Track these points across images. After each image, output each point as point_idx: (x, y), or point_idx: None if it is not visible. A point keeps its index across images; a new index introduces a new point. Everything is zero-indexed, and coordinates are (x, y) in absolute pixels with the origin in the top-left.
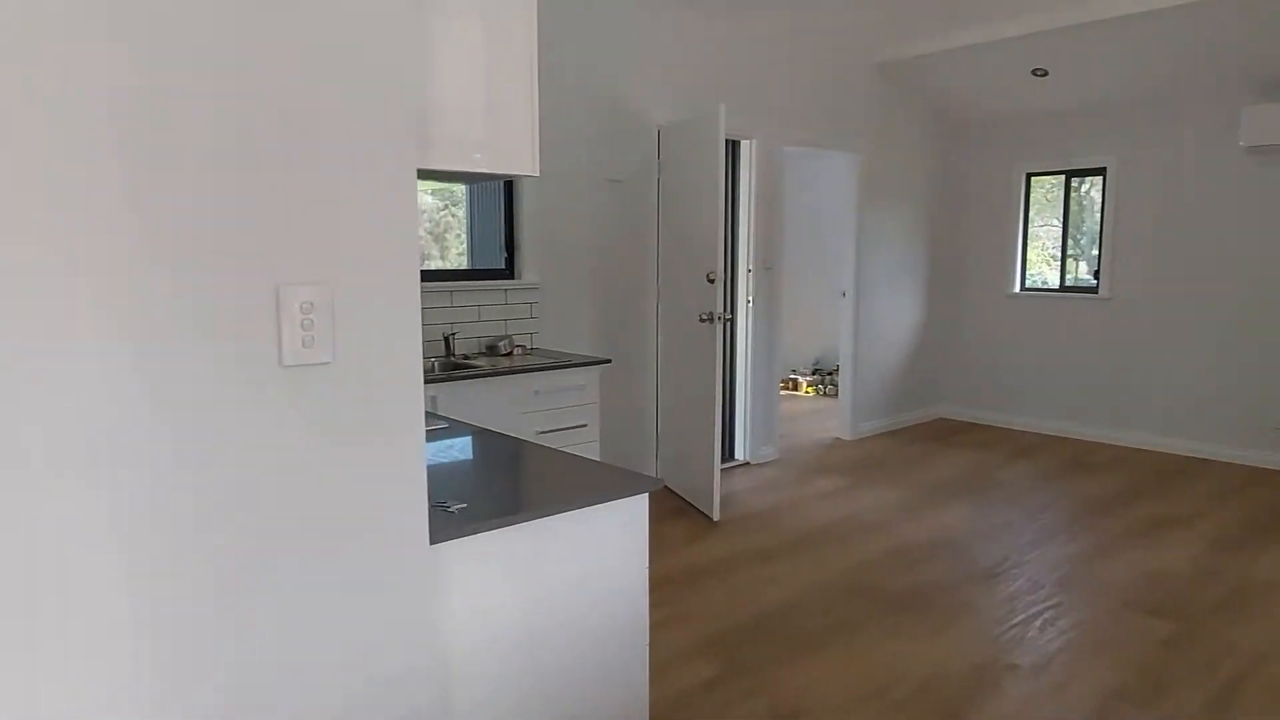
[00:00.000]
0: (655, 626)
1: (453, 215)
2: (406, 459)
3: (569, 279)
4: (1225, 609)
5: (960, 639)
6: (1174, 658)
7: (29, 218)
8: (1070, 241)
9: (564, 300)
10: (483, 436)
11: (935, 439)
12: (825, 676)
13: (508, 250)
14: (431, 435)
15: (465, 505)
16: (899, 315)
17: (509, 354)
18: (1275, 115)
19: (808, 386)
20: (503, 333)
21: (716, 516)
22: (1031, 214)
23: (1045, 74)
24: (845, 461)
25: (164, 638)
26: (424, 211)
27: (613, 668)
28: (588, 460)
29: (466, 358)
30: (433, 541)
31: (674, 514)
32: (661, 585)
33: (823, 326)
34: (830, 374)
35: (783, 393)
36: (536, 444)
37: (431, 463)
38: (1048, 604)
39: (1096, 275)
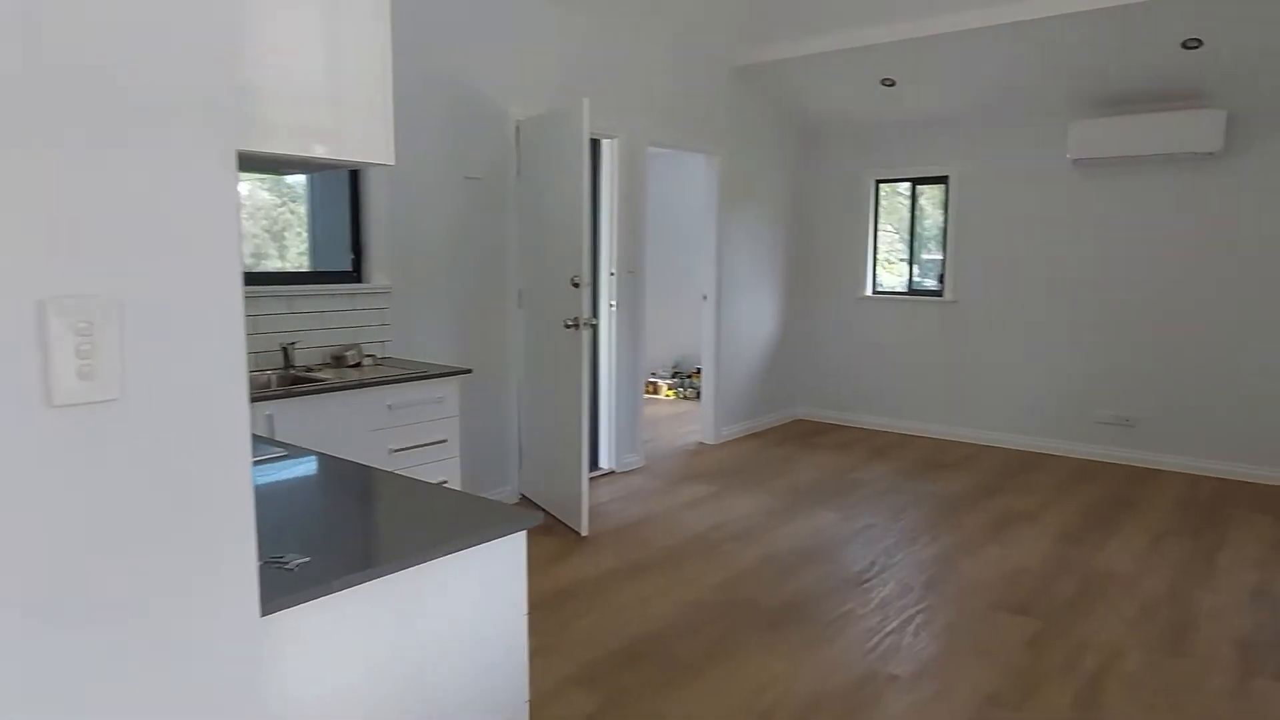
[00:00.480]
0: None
1: (292, 212)
2: (227, 512)
3: (423, 283)
4: (1078, 603)
5: (839, 652)
6: (1039, 657)
7: None
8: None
9: (418, 306)
10: (328, 466)
11: (795, 441)
12: (708, 703)
13: (355, 251)
14: (265, 465)
15: (307, 560)
16: (758, 318)
17: (357, 365)
18: (1097, 130)
19: (668, 389)
20: (350, 341)
21: (585, 531)
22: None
23: (893, 84)
24: (710, 467)
25: None
26: (259, 208)
27: None
28: (454, 493)
29: (309, 370)
30: (265, 612)
31: (539, 530)
32: (531, 610)
33: (682, 329)
34: (690, 376)
35: (644, 396)
36: (393, 474)
37: (264, 502)
38: (918, 608)
39: (941, 279)
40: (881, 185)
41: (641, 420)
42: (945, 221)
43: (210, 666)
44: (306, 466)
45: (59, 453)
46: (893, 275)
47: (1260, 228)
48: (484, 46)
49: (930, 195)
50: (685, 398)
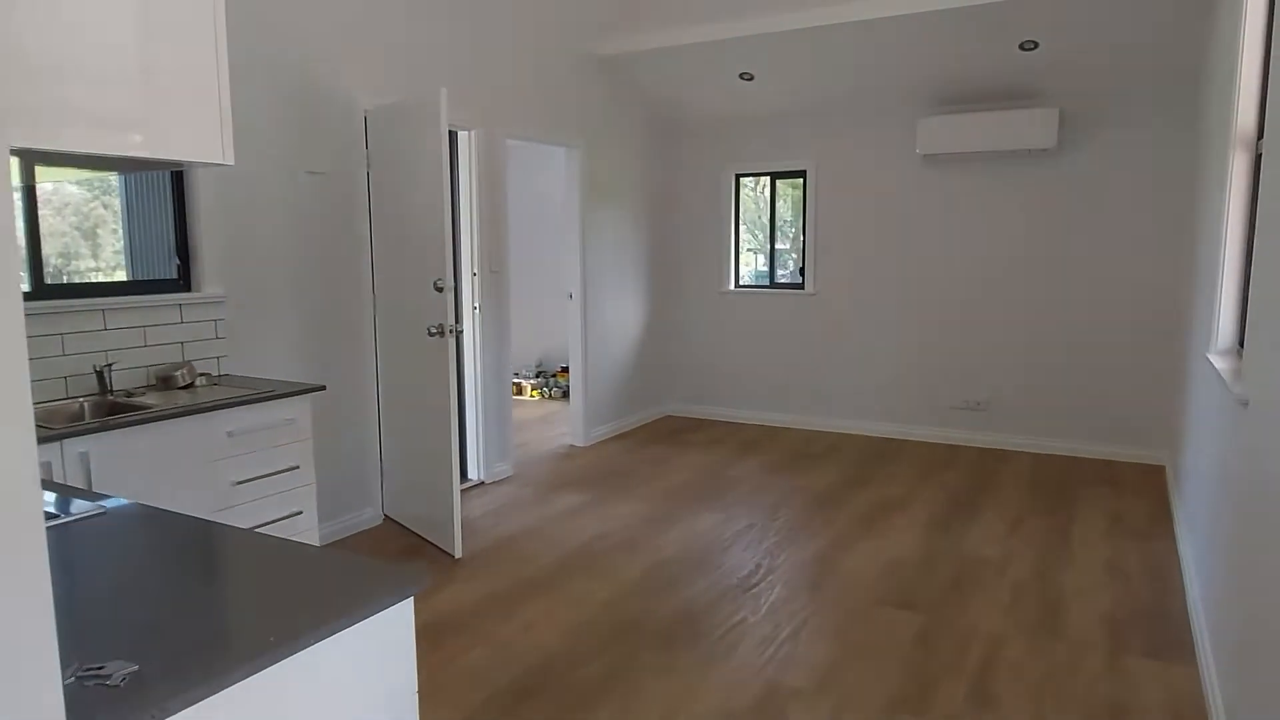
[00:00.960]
0: None
1: (105, 206)
2: (10, 615)
3: (264, 290)
4: (956, 593)
5: (736, 667)
6: (929, 654)
7: None
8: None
9: (259, 316)
10: (161, 526)
11: (666, 439)
12: None
13: (181, 257)
14: (76, 527)
15: (135, 669)
16: (624, 315)
17: (189, 386)
18: (943, 127)
19: (533, 390)
20: (179, 359)
21: (459, 554)
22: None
23: (751, 78)
24: (584, 472)
25: None
26: (67, 204)
27: None
28: (321, 554)
29: (130, 395)
30: None
31: (409, 553)
32: None
33: (544, 327)
34: (555, 375)
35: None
36: (244, 532)
37: (74, 584)
38: (808, 612)
39: (802, 272)
40: (742, 179)
41: (511, 424)
42: (804, 215)
43: None
44: (131, 527)
45: None
46: (754, 269)
47: (1090, 219)
48: (326, 28)
49: (789, 189)
50: (551, 398)
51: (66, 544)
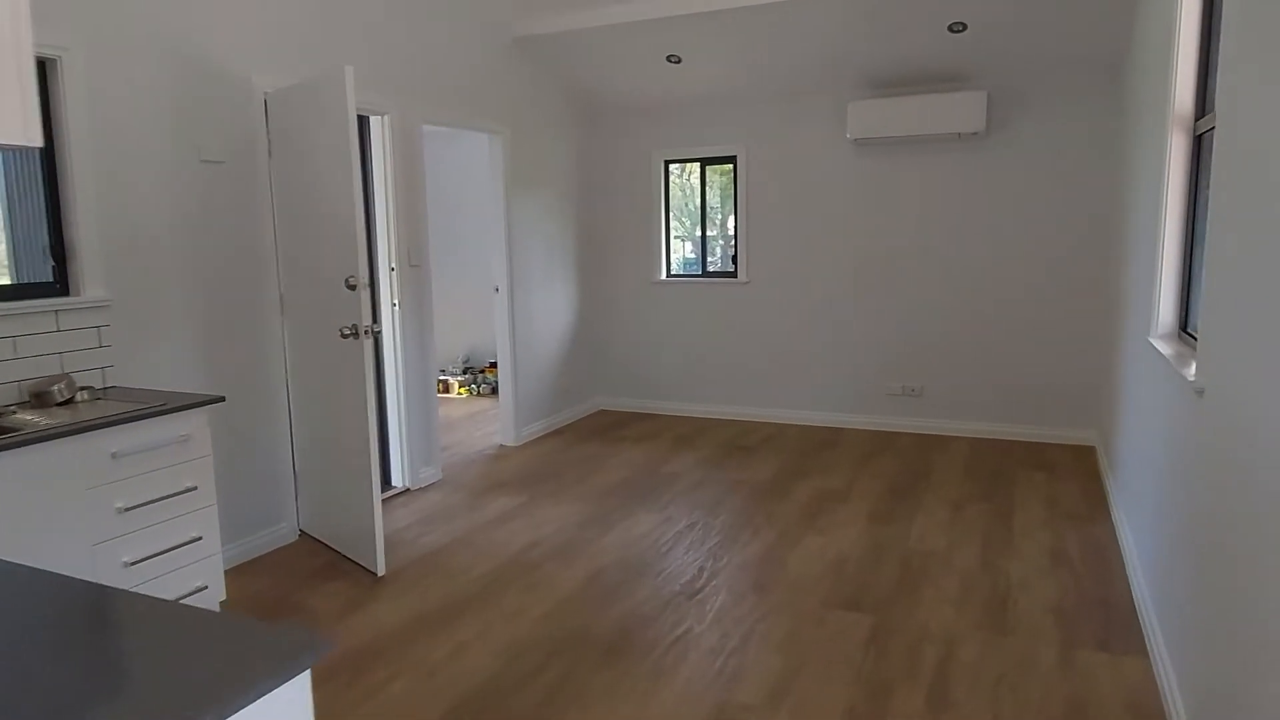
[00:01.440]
0: None
1: None
2: None
3: (155, 293)
4: (903, 589)
5: (685, 683)
6: (883, 658)
7: None
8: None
9: (150, 322)
10: (12, 594)
11: (600, 435)
12: None
13: (56, 258)
14: None
15: None
16: (553, 308)
17: (68, 402)
18: (873, 111)
19: (460, 387)
20: (56, 372)
21: (381, 571)
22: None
23: (679, 61)
24: (516, 473)
25: None
26: None
27: None
28: (198, 617)
29: None
30: None
31: (325, 573)
32: (325, 681)
33: (471, 321)
34: (483, 371)
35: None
36: (112, 592)
37: None
38: (755, 617)
39: (734, 260)
40: (671, 166)
41: (437, 427)
42: (735, 202)
43: None
44: None
45: None
46: (683, 256)
47: (1020, 203)
48: (216, 2)
49: (716, 176)
50: (480, 394)
51: None
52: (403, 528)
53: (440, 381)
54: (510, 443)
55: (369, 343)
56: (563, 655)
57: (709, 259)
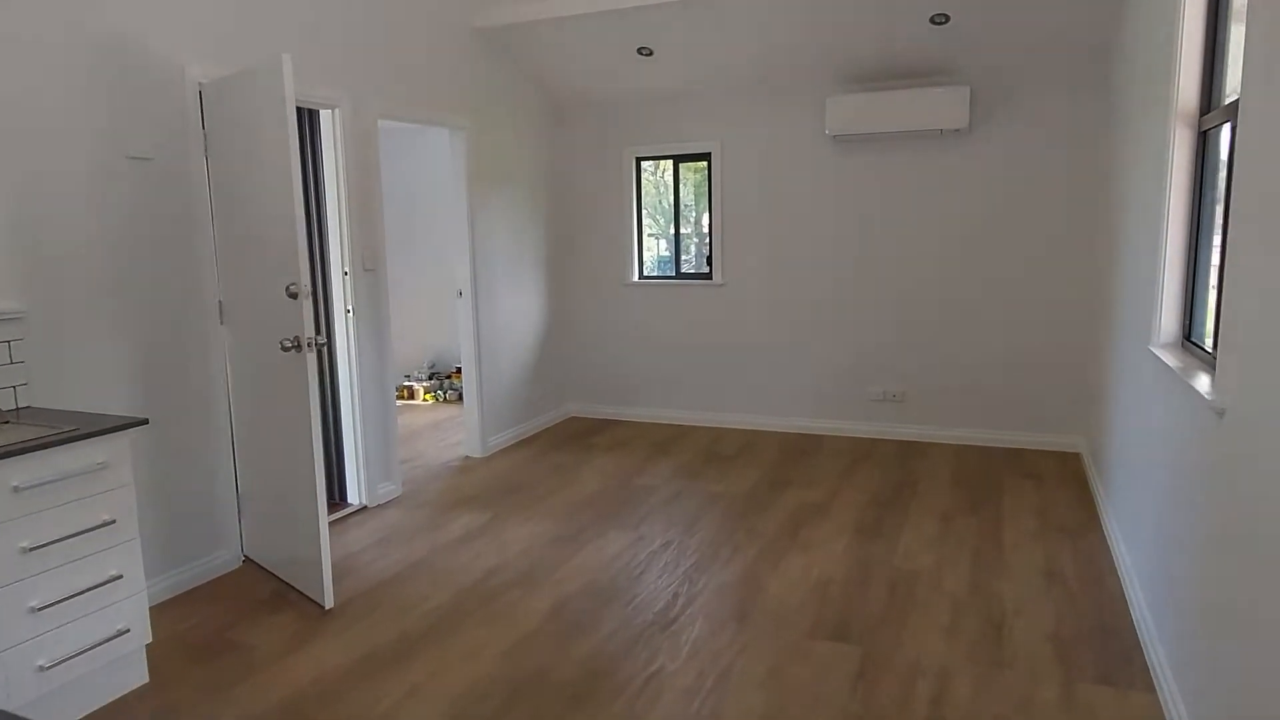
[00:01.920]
0: None
1: None
2: None
3: (77, 303)
4: (892, 615)
5: None
6: (873, 695)
7: None
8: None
9: (69, 335)
10: None
11: (571, 444)
12: None
13: None
14: None
15: None
16: (521, 311)
17: None
18: (852, 106)
19: (426, 393)
20: None
21: (329, 603)
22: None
23: (651, 53)
24: (481, 487)
25: None
26: None
27: None
28: None
29: None
30: None
31: (271, 604)
32: None
33: (435, 325)
34: (449, 377)
35: (398, 402)
36: None
37: None
38: (734, 650)
39: (709, 261)
40: (643, 163)
41: (397, 440)
42: (709, 201)
43: None
44: None
45: None
46: (657, 254)
47: (1004, 204)
48: None
49: (691, 173)
50: (446, 400)
51: None
52: (356, 551)
53: (405, 388)
54: (476, 454)
55: (313, 356)
56: (523, 701)
57: (683, 257)
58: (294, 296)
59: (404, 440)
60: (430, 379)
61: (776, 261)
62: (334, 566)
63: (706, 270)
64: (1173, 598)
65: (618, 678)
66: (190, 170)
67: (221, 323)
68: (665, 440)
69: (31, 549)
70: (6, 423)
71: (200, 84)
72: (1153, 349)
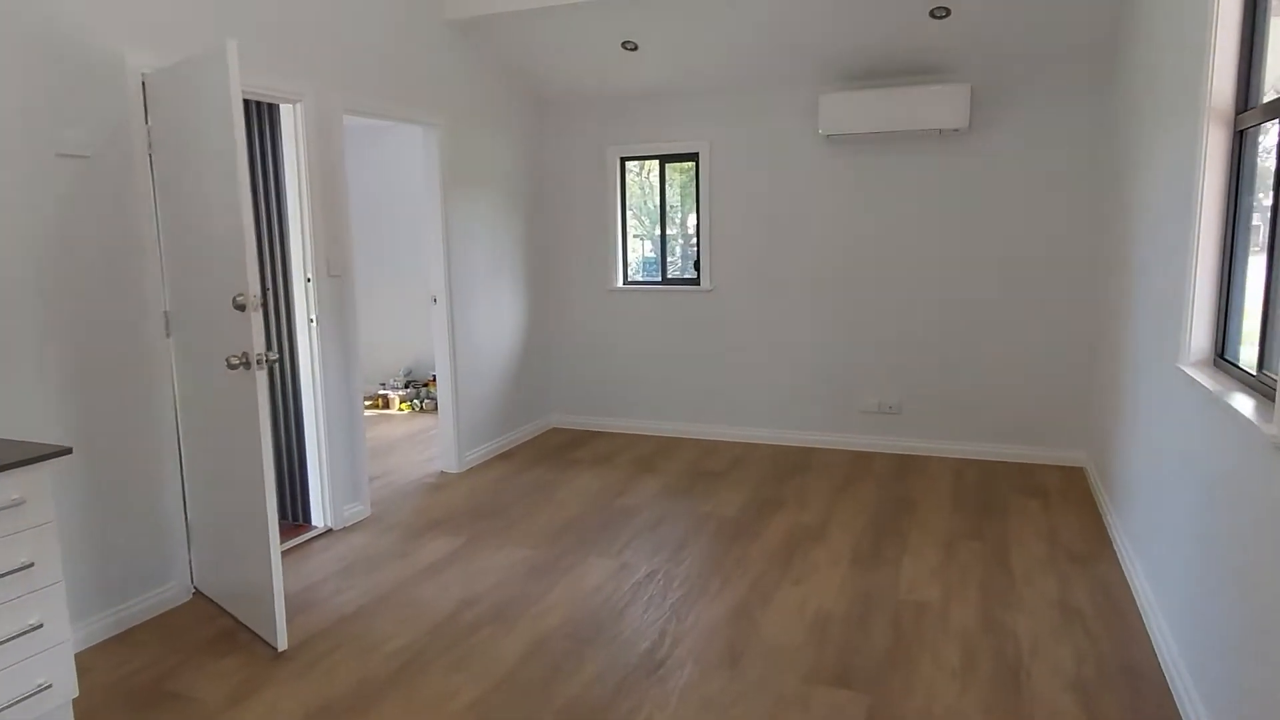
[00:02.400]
0: None
1: None
2: None
3: None
4: (898, 656)
5: None
6: None
7: None
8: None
9: None
10: None
11: (551, 458)
12: None
13: None
14: None
15: None
16: (500, 319)
17: None
18: (846, 104)
19: (402, 403)
20: None
21: (282, 645)
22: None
23: (636, 48)
24: (455, 507)
25: None
26: None
27: None
28: None
29: None
30: None
31: (218, 645)
32: None
33: (411, 330)
34: (426, 385)
35: (372, 412)
36: None
37: None
38: (727, 700)
39: (697, 266)
40: (628, 164)
41: (365, 457)
42: (697, 203)
43: None
44: None
45: None
46: (642, 255)
47: (1005, 208)
48: None
49: (677, 174)
50: (423, 410)
51: None
52: (318, 581)
53: (379, 396)
54: (452, 469)
55: (263, 374)
56: None
57: (669, 260)
58: (242, 309)
59: (376, 455)
60: (406, 387)
61: (767, 267)
62: (292, 599)
63: (694, 274)
64: (1207, 639)
65: None
66: (133, 169)
67: (168, 335)
68: (651, 454)
69: None
70: None
71: (144, 74)
72: (1182, 367)
